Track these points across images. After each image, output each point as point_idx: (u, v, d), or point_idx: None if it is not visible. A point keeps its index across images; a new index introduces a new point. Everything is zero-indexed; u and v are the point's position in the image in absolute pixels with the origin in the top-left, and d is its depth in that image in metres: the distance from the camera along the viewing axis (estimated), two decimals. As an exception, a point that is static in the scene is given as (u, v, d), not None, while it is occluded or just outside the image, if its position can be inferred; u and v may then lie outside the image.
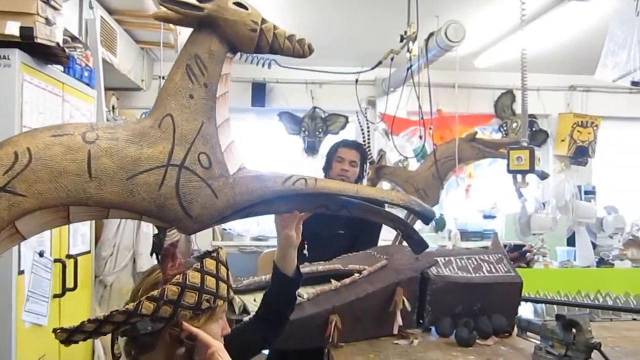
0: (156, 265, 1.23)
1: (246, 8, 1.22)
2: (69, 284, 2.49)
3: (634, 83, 2.94)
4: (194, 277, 1.13)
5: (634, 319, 2.45)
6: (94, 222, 2.96)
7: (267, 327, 1.54)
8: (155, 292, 1.09)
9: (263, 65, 2.77)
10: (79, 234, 2.68)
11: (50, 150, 1.06)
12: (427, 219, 1.31)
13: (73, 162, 1.07)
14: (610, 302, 2.56)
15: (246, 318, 1.85)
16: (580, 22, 3.83)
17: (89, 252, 2.82)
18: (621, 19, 3.06)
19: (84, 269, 2.68)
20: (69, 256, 2.52)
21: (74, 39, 2.79)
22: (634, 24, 2.93)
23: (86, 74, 2.73)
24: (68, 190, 1.06)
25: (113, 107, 4.23)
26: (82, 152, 1.08)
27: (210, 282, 1.15)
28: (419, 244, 1.36)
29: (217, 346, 1.14)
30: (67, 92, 2.50)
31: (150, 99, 4.61)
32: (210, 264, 1.17)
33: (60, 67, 2.47)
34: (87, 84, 2.74)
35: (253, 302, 1.99)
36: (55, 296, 2.40)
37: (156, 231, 1.24)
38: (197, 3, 1.19)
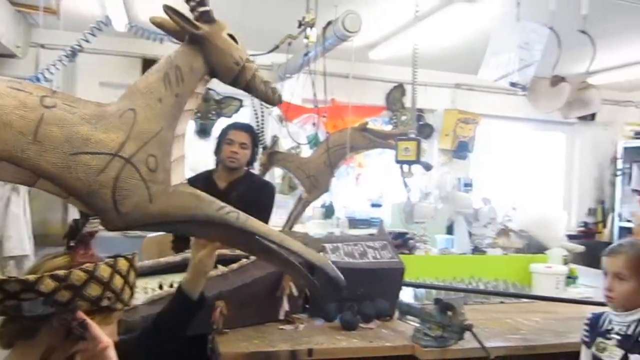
0: (62, 250, 1.14)
1: (237, 42, 1.32)
2: None
3: (512, 84, 3.16)
4: (103, 271, 1.07)
5: (502, 302, 2.65)
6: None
7: (155, 345, 1.47)
8: (60, 272, 1.01)
9: (154, 40, 2.63)
10: None
11: (3, 99, 1.03)
12: (337, 285, 1.35)
13: (22, 119, 1.04)
14: (482, 287, 2.75)
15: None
16: (467, 24, 4.04)
17: (-54, 232, 2.54)
18: (503, 23, 3.27)
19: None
20: None
21: None
22: (515, 29, 3.15)
23: (-52, 33, 2.43)
24: (6, 143, 1.03)
25: (-19, 74, 3.83)
26: (35, 113, 1.05)
27: (118, 281, 1.09)
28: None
29: (108, 343, 1.07)
30: None
31: (27, 67, 4.30)
32: (123, 264, 1.11)
33: None
34: (-51, 45, 2.45)
35: (134, 288, 1.89)
36: None
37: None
38: (196, 22, 1.27)
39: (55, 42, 4.28)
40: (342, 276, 1.36)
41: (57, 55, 3.83)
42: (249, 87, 1.34)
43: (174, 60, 1.26)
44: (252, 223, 1.29)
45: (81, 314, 1.04)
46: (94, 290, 1.05)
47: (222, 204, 1.27)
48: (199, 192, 1.26)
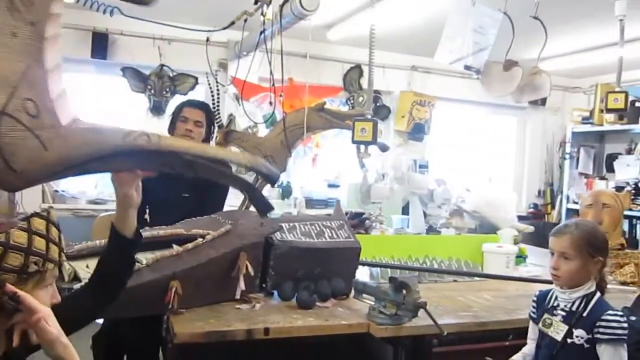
0: None
1: None
2: None
3: (466, 67, 3.21)
4: (19, 237, 1.01)
5: (455, 281, 2.72)
6: None
7: (101, 294, 1.43)
8: None
9: (104, 12, 2.52)
10: None
11: None
12: (272, 180, 1.31)
13: None
14: (436, 266, 2.80)
15: (77, 286, 1.72)
16: (425, 6, 4.06)
17: None
18: (459, 6, 3.30)
19: None
20: None
21: None
22: (470, 13, 3.19)
23: None
24: None
25: None
26: None
27: (39, 243, 1.04)
28: (264, 206, 1.36)
29: (45, 312, 1.03)
30: None
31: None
32: (38, 223, 1.06)
33: None
34: None
35: (85, 268, 1.85)
36: None
37: None
38: None
39: (-2, 12, 4.06)
40: (276, 170, 1.33)
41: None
42: None
43: None
44: (167, 141, 1.18)
45: (10, 287, 1.00)
46: (14, 260, 1.01)
47: (128, 129, 1.14)
48: (97, 124, 1.13)
